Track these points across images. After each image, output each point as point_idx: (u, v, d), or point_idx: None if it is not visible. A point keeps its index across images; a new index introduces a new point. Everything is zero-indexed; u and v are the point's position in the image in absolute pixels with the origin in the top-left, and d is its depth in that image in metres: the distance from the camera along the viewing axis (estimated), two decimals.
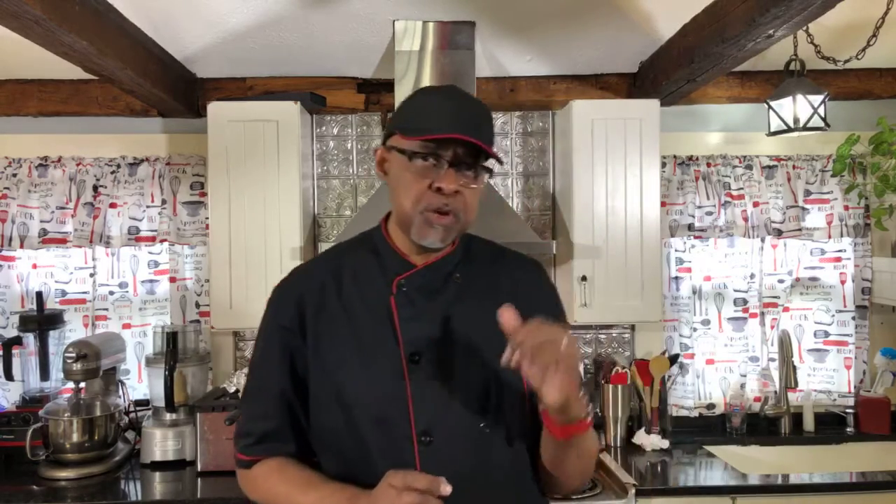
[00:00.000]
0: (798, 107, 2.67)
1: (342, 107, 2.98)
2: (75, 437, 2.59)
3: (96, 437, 2.62)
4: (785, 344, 2.99)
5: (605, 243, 2.74)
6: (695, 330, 3.07)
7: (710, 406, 3.08)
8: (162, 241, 2.94)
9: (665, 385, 2.97)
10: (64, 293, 2.96)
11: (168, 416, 2.71)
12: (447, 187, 1.23)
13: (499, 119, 3.10)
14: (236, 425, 1.40)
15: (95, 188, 2.91)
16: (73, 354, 2.58)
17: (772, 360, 3.09)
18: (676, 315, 3.06)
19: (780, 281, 3.09)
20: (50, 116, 2.95)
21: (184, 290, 2.97)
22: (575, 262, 2.74)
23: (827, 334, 3.13)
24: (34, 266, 2.96)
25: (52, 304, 2.92)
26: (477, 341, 1.27)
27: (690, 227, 3.03)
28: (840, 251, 3.12)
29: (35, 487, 2.52)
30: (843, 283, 3.11)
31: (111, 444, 2.68)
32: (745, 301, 3.09)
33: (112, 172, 2.92)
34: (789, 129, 2.70)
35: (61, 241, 2.91)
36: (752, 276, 3.07)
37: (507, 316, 1.14)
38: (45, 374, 2.83)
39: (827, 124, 2.68)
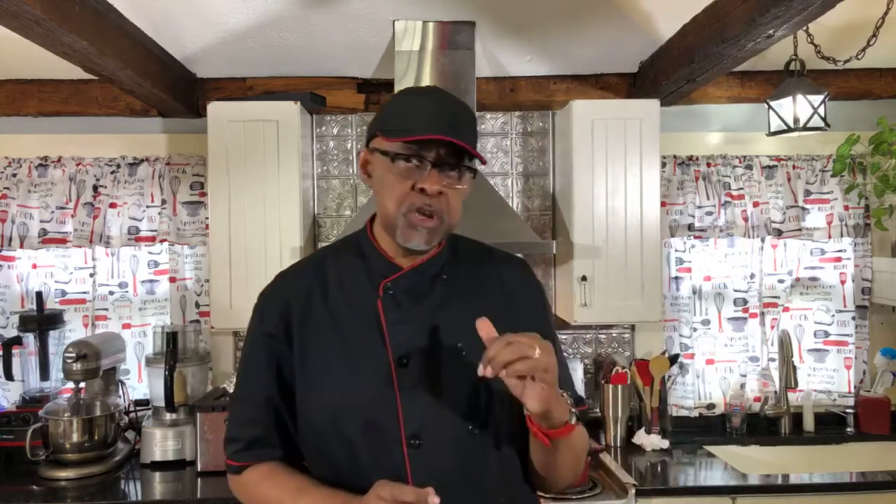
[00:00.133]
0: (798, 107, 2.67)
1: (342, 107, 2.98)
2: (75, 437, 2.59)
3: (96, 437, 2.62)
4: (785, 344, 2.99)
5: (605, 243, 2.74)
6: (695, 330, 3.07)
7: (710, 406, 3.09)
8: (162, 241, 2.94)
9: (665, 385, 2.97)
10: (64, 293, 2.96)
11: (168, 416, 2.71)
12: (430, 188, 1.23)
13: (499, 119, 3.10)
14: (225, 431, 1.39)
15: (95, 188, 2.91)
16: (73, 354, 2.58)
17: (772, 360, 3.09)
18: (676, 315, 3.06)
19: (780, 281, 3.09)
20: (50, 116, 2.95)
21: (184, 290, 2.97)
22: (575, 262, 2.74)
23: (827, 334, 3.13)
24: (34, 266, 2.96)
25: (52, 304, 2.92)
26: (465, 343, 1.26)
27: (690, 227, 3.03)
28: (840, 251, 3.12)
29: (35, 487, 2.52)
30: (843, 283, 3.11)
31: (111, 444, 2.68)
32: (745, 301, 3.09)
33: (112, 172, 2.92)
34: (789, 129, 2.70)
35: (61, 241, 2.91)
36: (752, 276, 3.07)
37: (484, 328, 1.15)
38: (45, 374, 2.83)
39: (827, 124, 2.68)
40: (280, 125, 2.68)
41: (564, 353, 3.06)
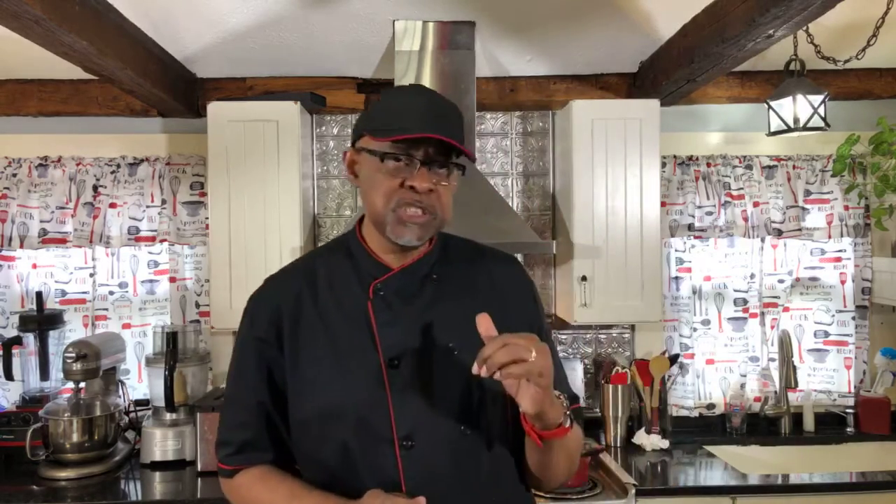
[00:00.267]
0: (798, 107, 2.67)
1: (342, 107, 2.98)
2: (75, 437, 2.59)
3: (96, 437, 2.62)
4: (785, 344, 2.99)
5: (605, 243, 2.74)
6: (695, 330, 3.07)
7: (710, 406, 3.08)
8: (162, 241, 2.94)
9: (665, 385, 2.97)
10: (64, 293, 2.96)
11: (168, 416, 2.71)
12: (420, 186, 1.23)
13: (499, 119, 3.10)
14: (217, 435, 1.39)
15: (95, 188, 2.91)
16: (73, 354, 2.58)
17: (772, 360, 3.09)
18: (676, 315, 3.06)
19: (781, 281, 3.09)
20: (50, 116, 2.95)
21: (184, 290, 2.97)
22: (575, 262, 2.74)
23: (827, 334, 3.13)
24: (34, 266, 2.96)
25: (51, 304, 2.92)
26: (456, 343, 1.26)
27: (690, 227, 3.03)
28: (840, 251, 3.12)
29: (35, 487, 2.52)
30: (843, 283, 3.11)
31: (111, 444, 2.68)
32: (745, 301, 3.09)
33: (112, 172, 2.92)
34: (789, 129, 2.70)
35: (61, 241, 2.91)
36: (752, 276, 3.07)
37: (484, 324, 1.15)
38: (44, 374, 2.83)
39: (827, 124, 2.68)
40: (280, 125, 2.68)
41: (564, 353, 3.07)
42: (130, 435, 2.83)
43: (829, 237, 3.09)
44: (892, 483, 2.47)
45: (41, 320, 2.80)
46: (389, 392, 1.24)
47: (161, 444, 2.67)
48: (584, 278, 2.73)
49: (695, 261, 3.07)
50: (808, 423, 3.06)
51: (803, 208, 3.07)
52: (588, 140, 2.73)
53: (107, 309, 2.97)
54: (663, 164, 2.96)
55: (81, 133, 2.98)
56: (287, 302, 1.33)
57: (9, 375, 2.78)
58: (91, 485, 2.52)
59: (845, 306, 3.10)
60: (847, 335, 3.10)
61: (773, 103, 2.74)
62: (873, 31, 2.41)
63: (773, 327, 3.07)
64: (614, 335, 3.12)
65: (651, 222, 2.75)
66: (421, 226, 1.26)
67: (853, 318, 3.10)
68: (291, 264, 1.44)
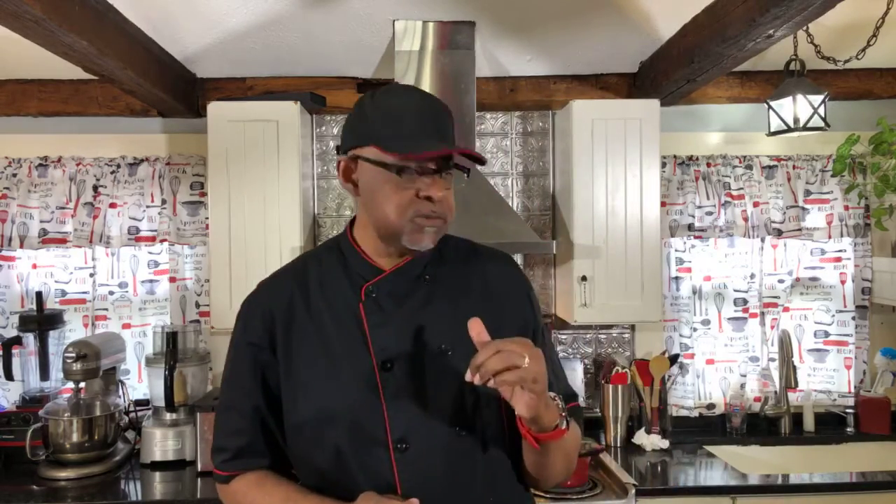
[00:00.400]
0: (798, 107, 2.67)
1: (342, 107, 2.98)
2: (75, 437, 2.59)
3: (96, 437, 2.62)
4: (785, 344, 2.99)
5: (605, 243, 2.74)
6: (695, 330, 3.07)
7: (710, 406, 3.08)
8: (162, 241, 2.94)
9: (665, 385, 2.97)
10: (64, 293, 2.96)
11: (168, 416, 2.71)
12: (438, 196, 1.23)
13: (499, 119, 3.10)
14: (212, 441, 1.39)
15: (95, 188, 2.91)
16: (73, 354, 2.58)
17: (772, 360, 3.09)
18: (676, 315, 3.06)
19: (781, 281, 3.09)
20: (50, 116, 2.95)
21: (184, 290, 2.97)
22: (575, 262, 2.74)
23: (827, 334, 3.13)
24: (34, 266, 2.96)
25: (51, 304, 2.92)
26: (450, 343, 1.26)
27: (690, 227, 3.03)
28: (840, 251, 3.12)
29: (35, 487, 2.52)
30: (843, 283, 3.11)
31: (111, 444, 2.68)
32: (745, 301, 3.09)
33: (112, 172, 2.92)
34: (789, 129, 2.70)
35: (61, 241, 2.91)
36: (753, 276, 3.07)
37: (475, 329, 1.14)
38: (44, 374, 2.83)
39: (827, 124, 2.68)
40: (280, 125, 2.68)
41: (564, 353, 3.07)
42: (130, 435, 2.83)
43: (829, 237, 3.09)
44: (892, 483, 2.47)
45: (41, 320, 2.80)
46: (383, 395, 1.24)
47: (161, 444, 2.67)
48: (584, 278, 2.73)
49: (695, 261, 3.07)
50: (808, 423, 3.06)
51: (803, 208, 3.07)
52: (588, 140, 2.73)
53: (107, 309, 2.97)
54: (663, 164, 2.96)
55: (81, 133, 2.98)
56: (279, 306, 1.32)
57: (9, 375, 2.78)
58: (91, 485, 2.52)
59: (845, 306, 3.10)
60: (847, 335, 3.10)
61: (773, 103, 2.74)
62: (873, 31, 2.41)
63: (773, 327, 3.07)
64: (614, 335, 3.12)
65: (651, 222, 2.75)
66: (437, 230, 1.26)
67: (853, 318, 3.10)
68: (283, 268, 1.43)
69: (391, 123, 1.24)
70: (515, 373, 1.09)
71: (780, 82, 2.77)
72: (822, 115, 2.66)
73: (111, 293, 2.97)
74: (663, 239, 2.98)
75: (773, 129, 2.77)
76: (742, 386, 3.07)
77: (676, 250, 3.05)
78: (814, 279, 3.13)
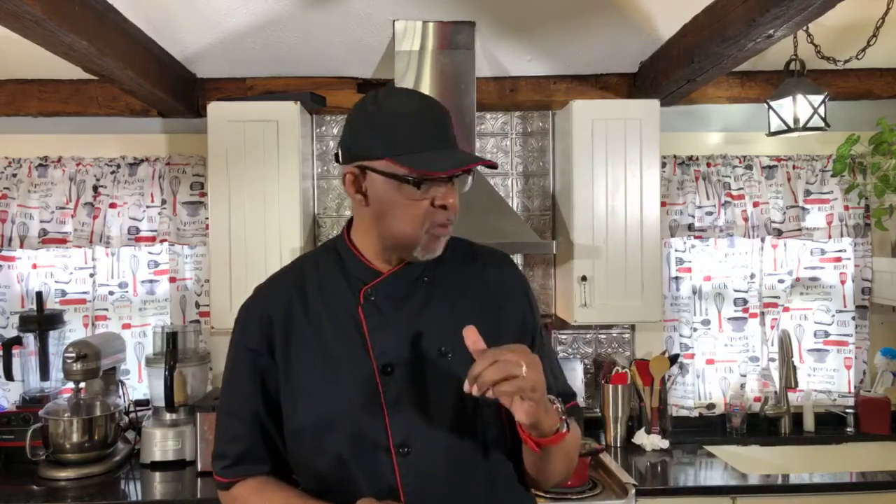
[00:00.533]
0: (798, 107, 2.67)
1: (342, 107, 2.98)
2: (75, 437, 2.59)
3: (96, 437, 2.62)
4: (785, 344, 2.99)
5: (605, 243, 2.74)
6: (695, 330, 3.07)
7: (711, 406, 3.08)
8: (162, 241, 2.94)
9: (665, 385, 2.97)
10: (64, 293, 2.96)
11: (168, 417, 2.71)
12: (453, 204, 1.23)
13: (499, 119, 3.10)
14: (213, 447, 1.38)
15: (95, 188, 2.91)
16: (73, 354, 2.58)
17: (772, 360, 3.09)
18: (676, 315, 3.06)
19: (781, 281, 3.09)
20: (50, 116, 2.95)
21: (184, 290, 2.97)
22: (575, 262, 2.74)
23: (827, 334, 3.13)
24: (34, 266, 2.96)
25: (52, 304, 2.92)
26: (450, 346, 1.25)
27: (690, 227, 3.03)
28: (840, 251, 3.12)
29: (35, 487, 2.52)
30: (843, 283, 3.11)
31: (111, 444, 2.68)
32: (745, 301, 3.09)
33: (112, 172, 2.92)
34: (789, 129, 2.70)
35: (61, 241, 2.91)
36: (753, 276, 3.07)
37: (471, 337, 1.13)
38: (45, 374, 2.83)
39: (827, 124, 2.68)
40: (280, 125, 2.68)
41: (564, 353, 3.06)
42: (130, 435, 2.83)
43: (829, 237, 3.09)
44: (892, 483, 2.47)
45: (41, 320, 2.80)
46: (384, 399, 1.23)
47: (161, 444, 2.67)
48: (584, 278, 2.73)
49: (695, 261, 3.07)
50: (808, 423, 3.06)
51: (803, 208, 3.07)
52: (588, 140, 2.73)
53: (107, 309, 2.96)
54: (663, 164, 2.96)
55: (81, 133, 2.98)
56: (277, 311, 1.32)
57: (9, 375, 2.78)
58: (91, 485, 2.52)
59: (845, 306, 3.10)
60: (847, 335, 3.10)
61: (773, 103, 2.74)
62: (873, 31, 2.41)
63: (773, 327, 3.07)
64: (614, 335, 3.12)
65: (651, 222, 2.75)
66: (446, 236, 1.27)
67: (853, 318, 3.10)
68: (280, 272, 1.42)
69: (402, 134, 1.21)
70: (514, 383, 1.08)
71: (780, 82, 2.77)
72: (822, 115, 2.66)
73: (111, 293, 2.97)
74: (663, 239, 2.98)
75: (773, 129, 2.77)
76: (742, 386, 3.07)
77: (676, 250, 3.05)
78: (814, 279, 3.13)
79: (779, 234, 3.06)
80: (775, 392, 3.06)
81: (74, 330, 2.94)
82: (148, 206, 2.94)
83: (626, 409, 2.92)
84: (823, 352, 3.13)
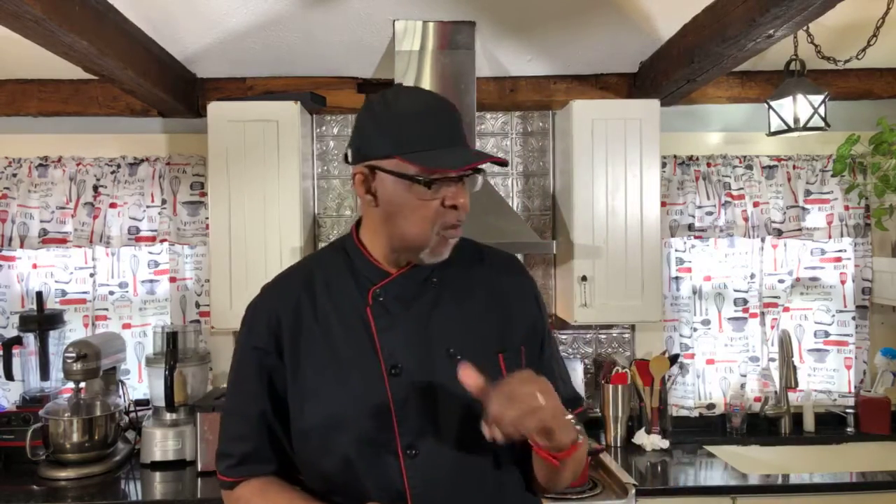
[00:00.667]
0: (798, 107, 2.67)
1: (342, 107, 2.98)
2: (75, 437, 2.59)
3: (96, 437, 2.62)
4: (785, 344, 2.99)
5: (605, 243, 2.74)
6: (695, 330, 3.07)
7: (711, 406, 3.08)
8: (162, 241, 2.94)
9: (665, 385, 2.97)
10: (64, 293, 2.96)
11: (168, 416, 2.71)
12: (463, 203, 1.22)
13: (499, 119, 3.10)
14: (217, 446, 1.38)
15: (95, 188, 2.91)
16: (73, 354, 2.58)
17: (772, 360, 3.08)
18: (676, 315, 3.06)
19: (781, 281, 3.09)
20: (50, 116, 2.95)
21: (184, 290, 2.97)
22: (575, 262, 2.74)
23: (827, 334, 3.13)
24: (34, 266, 2.96)
25: (52, 303, 2.92)
26: (458, 347, 1.24)
27: (690, 227, 3.03)
28: (840, 251, 3.12)
29: (35, 487, 2.52)
30: (843, 283, 3.11)
31: (111, 443, 2.68)
32: (745, 301, 3.08)
33: (112, 172, 2.92)
34: (789, 129, 2.70)
35: (61, 241, 2.91)
36: (753, 276, 3.07)
37: (470, 379, 1.12)
38: (45, 374, 2.83)
39: (827, 124, 2.68)
40: (280, 125, 2.68)
41: (564, 353, 3.06)
42: (130, 435, 2.83)
43: (830, 237, 3.09)
44: (892, 483, 2.47)
45: (41, 320, 2.80)
46: (392, 400, 1.22)
47: (161, 444, 2.67)
48: (584, 278, 2.73)
49: (695, 261, 3.07)
50: (809, 423, 3.06)
51: (803, 208, 3.07)
52: (588, 140, 2.73)
53: (107, 309, 2.96)
54: (663, 164, 2.96)
55: (81, 133, 2.98)
56: (285, 310, 1.31)
57: (9, 375, 2.78)
58: (91, 485, 2.52)
59: (845, 306, 3.10)
60: (847, 335, 3.10)
61: (773, 103, 2.74)
62: (873, 31, 2.41)
63: (773, 327, 3.07)
64: (614, 335, 3.12)
65: (651, 222, 2.75)
66: (455, 241, 1.26)
67: (853, 318, 3.10)
68: (287, 271, 1.41)
69: (411, 132, 1.20)
70: (536, 416, 1.07)
71: (780, 82, 2.77)
72: (823, 115, 2.66)
73: (111, 293, 2.97)
74: (663, 239, 2.98)
75: (773, 129, 2.77)
76: (742, 386, 3.07)
77: (676, 250, 3.05)
78: (814, 279, 3.13)
79: (779, 234, 3.06)
80: (775, 392, 3.06)
81: (74, 330, 2.94)
82: (148, 206, 2.94)
83: (627, 409, 2.92)
84: (823, 352, 3.13)
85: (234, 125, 2.67)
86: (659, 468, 2.69)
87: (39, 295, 2.82)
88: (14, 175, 2.90)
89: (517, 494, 1.32)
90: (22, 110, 2.92)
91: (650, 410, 2.93)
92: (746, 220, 3.03)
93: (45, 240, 2.90)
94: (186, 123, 2.98)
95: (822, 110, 2.66)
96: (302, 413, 1.27)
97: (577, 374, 2.95)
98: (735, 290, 3.10)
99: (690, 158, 3.06)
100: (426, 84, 2.63)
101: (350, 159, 1.28)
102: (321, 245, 2.83)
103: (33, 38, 1.92)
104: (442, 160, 1.18)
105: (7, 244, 2.89)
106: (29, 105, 2.91)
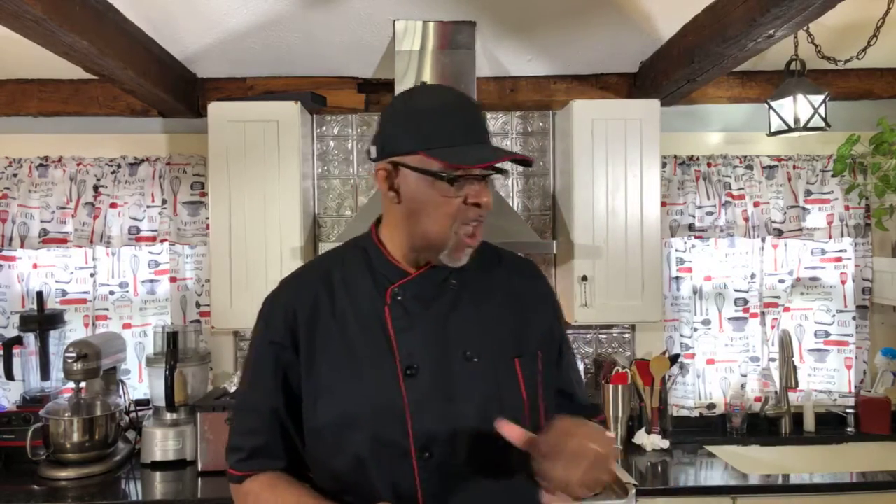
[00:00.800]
0: (798, 107, 2.67)
1: (342, 107, 2.98)
2: (76, 437, 2.59)
3: (97, 437, 2.62)
4: (785, 344, 2.99)
5: (605, 243, 2.74)
6: (695, 330, 3.07)
7: (711, 406, 3.08)
8: (162, 241, 2.94)
9: (665, 385, 2.97)
10: (64, 293, 2.96)
11: (168, 416, 2.71)
12: (486, 201, 1.22)
13: (499, 119, 3.10)
14: (228, 440, 1.37)
15: (96, 188, 2.92)
16: (74, 354, 2.58)
17: (772, 360, 3.08)
18: (677, 315, 3.06)
19: (781, 281, 3.09)
20: (50, 116, 2.95)
21: (184, 290, 2.97)
22: (575, 262, 2.74)
23: (827, 334, 3.13)
24: (35, 266, 2.96)
25: (52, 303, 2.92)
26: (475, 350, 1.24)
27: (691, 227, 3.03)
28: (840, 251, 3.12)
29: (35, 487, 2.52)
30: (843, 283, 3.11)
31: (111, 443, 2.68)
32: (745, 301, 3.08)
33: (112, 172, 2.93)
34: (790, 129, 2.70)
35: (62, 241, 2.91)
36: (753, 276, 3.07)
37: (512, 433, 1.12)
38: (45, 373, 2.83)
39: (827, 124, 2.68)
40: (280, 125, 2.68)
41: None
42: (131, 435, 2.83)
43: (830, 237, 3.09)
44: (892, 483, 2.47)
45: (42, 320, 2.80)
46: (406, 401, 1.21)
47: (161, 444, 2.67)
48: (584, 278, 2.73)
49: (695, 261, 3.07)
50: (809, 424, 3.06)
51: (804, 208, 3.07)
52: (588, 140, 2.73)
53: (107, 309, 2.97)
54: (663, 164, 2.96)
55: (82, 133, 2.98)
56: (303, 306, 1.30)
57: (9, 375, 2.78)
58: (91, 485, 2.52)
59: (846, 306, 3.10)
60: (847, 335, 3.10)
61: (773, 103, 2.74)
62: (873, 31, 2.41)
63: (773, 327, 3.07)
64: (615, 335, 3.12)
65: (651, 222, 2.75)
66: (472, 248, 1.26)
67: (854, 318, 3.09)
68: (306, 266, 1.42)
69: (435, 128, 1.20)
70: (600, 467, 1.09)
71: (780, 82, 2.77)
72: (823, 115, 2.66)
73: (112, 293, 2.98)
74: (663, 239, 2.98)
75: (773, 129, 2.77)
76: (742, 386, 3.06)
77: (677, 250, 3.05)
78: (814, 279, 3.13)
79: (779, 234, 3.06)
80: (776, 392, 3.06)
81: (75, 330, 2.94)
82: (148, 206, 2.94)
83: (627, 409, 2.92)
84: (824, 352, 3.13)
85: (234, 125, 2.67)
86: (659, 468, 2.69)
87: (40, 295, 2.82)
88: (14, 175, 2.90)
89: (531, 500, 1.31)
90: (22, 110, 2.92)
91: (650, 410, 2.93)
92: (747, 220, 3.03)
93: (46, 240, 2.90)
94: (187, 123, 2.98)
95: (822, 110, 2.66)
96: (315, 410, 1.27)
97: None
98: (735, 290, 3.10)
99: (691, 158, 3.06)
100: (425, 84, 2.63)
101: (373, 156, 1.28)
102: (321, 245, 2.83)
103: (33, 38, 1.92)
104: (466, 157, 1.18)
105: (7, 244, 2.89)
106: (29, 105, 2.91)
